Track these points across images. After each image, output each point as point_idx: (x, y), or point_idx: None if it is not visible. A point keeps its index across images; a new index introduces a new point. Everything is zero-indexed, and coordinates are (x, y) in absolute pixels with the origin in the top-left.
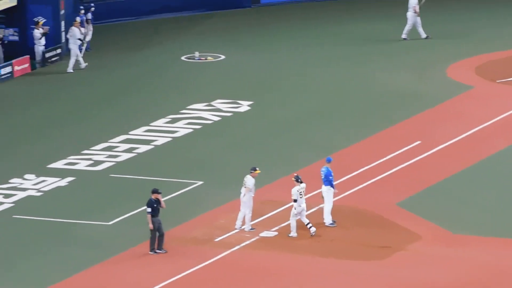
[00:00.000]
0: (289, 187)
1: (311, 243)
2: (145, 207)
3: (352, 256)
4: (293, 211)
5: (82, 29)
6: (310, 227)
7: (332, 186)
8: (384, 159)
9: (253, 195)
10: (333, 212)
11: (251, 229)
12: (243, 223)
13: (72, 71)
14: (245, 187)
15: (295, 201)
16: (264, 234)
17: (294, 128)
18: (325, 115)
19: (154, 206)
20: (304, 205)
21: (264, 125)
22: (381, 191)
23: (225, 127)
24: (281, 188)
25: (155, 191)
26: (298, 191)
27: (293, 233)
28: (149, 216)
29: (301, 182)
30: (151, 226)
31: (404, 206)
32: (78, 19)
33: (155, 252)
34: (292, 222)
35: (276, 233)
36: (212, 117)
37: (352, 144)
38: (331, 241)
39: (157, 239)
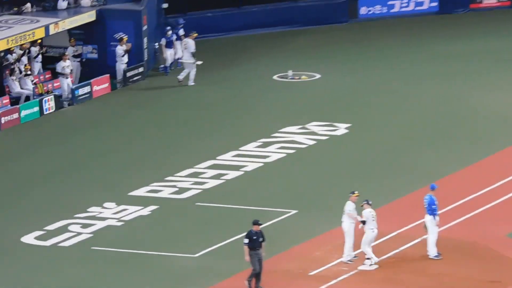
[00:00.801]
0: (392, 217)
1: (415, 278)
2: (243, 237)
3: None
4: (367, 237)
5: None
6: (369, 259)
7: (434, 216)
8: (492, 186)
9: (353, 223)
10: (438, 243)
11: (349, 260)
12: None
13: (193, 83)
14: (344, 214)
15: (364, 222)
16: (363, 267)
17: (394, 152)
18: (428, 138)
19: (254, 238)
20: (376, 231)
21: (362, 149)
22: (490, 221)
23: (321, 152)
24: (382, 218)
25: (255, 223)
26: (370, 212)
27: (375, 259)
28: (245, 247)
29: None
30: (247, 258)
31: None
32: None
33: (250, 286)
34: (366, 249)
35: (376, 266)
36: (307, 140)
37: (458, 170)
38: (437, 275)
39: (254, 276)
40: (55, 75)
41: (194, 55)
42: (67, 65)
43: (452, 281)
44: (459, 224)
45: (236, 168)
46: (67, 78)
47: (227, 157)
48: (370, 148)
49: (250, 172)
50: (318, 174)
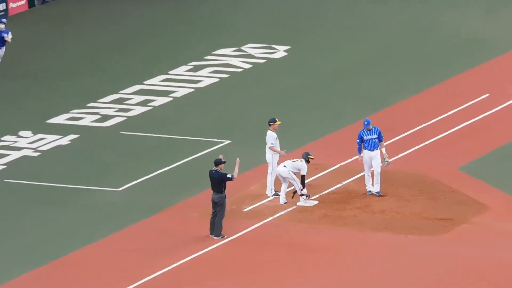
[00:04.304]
0: (334, 148)
1: (358, 215)
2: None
3: (407, 229)
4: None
5: None
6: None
7: (359, 151)
8: (445, 115)
9: (276, 154)
10: (385, 178)
11: (273, 194)
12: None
13: None
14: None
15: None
16: (302, 203)
17: (338, 78)
18: (376, 63)
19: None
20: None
21: (303, 74)
22: (441, 153)
23: (257, 77)
24: (323, 149)
25: (219, 162)
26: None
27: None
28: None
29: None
30: None
31: (469, 171)
32: None
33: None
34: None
35: (316, 202)
36: (242, 64)
37: (408, 97)
38: (381, 212)
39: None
40: None
41: None
42: None
43: (399, 218)
44: (407, 156)
45: (165, 94)
46: None
47: (155, 82)
48: (311, 73)
49: (179, 98)
50: (254, 101)
